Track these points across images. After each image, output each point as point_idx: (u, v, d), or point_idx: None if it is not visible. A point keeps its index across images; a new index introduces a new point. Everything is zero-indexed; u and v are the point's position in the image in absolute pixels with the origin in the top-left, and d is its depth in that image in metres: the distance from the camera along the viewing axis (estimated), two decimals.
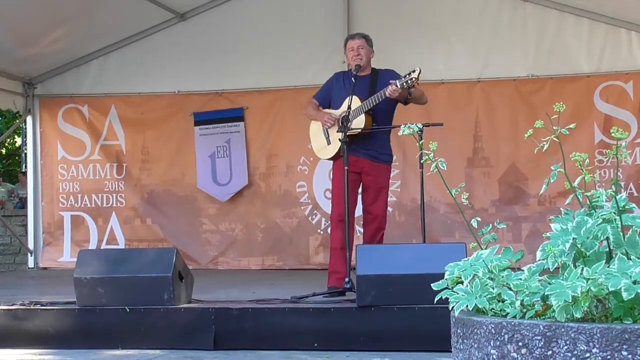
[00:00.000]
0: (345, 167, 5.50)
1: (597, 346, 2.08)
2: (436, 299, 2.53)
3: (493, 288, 2.41)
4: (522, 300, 2.32)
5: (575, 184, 2.44)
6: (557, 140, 2.43)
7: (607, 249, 2.36)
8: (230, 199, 9.14)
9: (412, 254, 4.78)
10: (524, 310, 2.31)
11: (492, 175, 8.54)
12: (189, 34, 9.22)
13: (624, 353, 2.06)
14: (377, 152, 5.85)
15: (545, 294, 2.24)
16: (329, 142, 5.91)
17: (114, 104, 9.42)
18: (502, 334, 2.22)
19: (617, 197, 2.35)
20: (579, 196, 2.45)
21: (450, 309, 2.44)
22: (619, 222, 2.35)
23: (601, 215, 2.38)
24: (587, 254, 2.33)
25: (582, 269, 2.22)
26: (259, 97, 9.09)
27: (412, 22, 8.70)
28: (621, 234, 2.35)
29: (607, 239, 2.34)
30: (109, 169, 9.44)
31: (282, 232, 9.01)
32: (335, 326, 4.68)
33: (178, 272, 4.97)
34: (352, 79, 5.70)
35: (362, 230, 6.14)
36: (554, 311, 2.19)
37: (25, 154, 14.92)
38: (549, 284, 2.26)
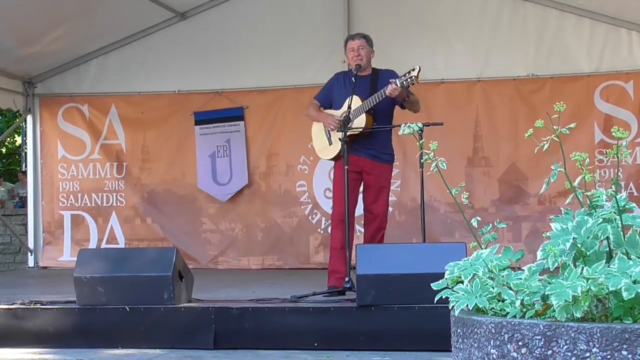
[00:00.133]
0: (345, 167, 5.50)
1: (597, 346, 2.08)
2: (436, 299, 2.53)
3: (493, 287, 2.41)
4: (522, 299, 2.32)
5: (576, 183, 2.44)
6: (557, 139, 2.43)
7: (607, 249, 2.36)
8: (230, 199, 9.14)
9: (412, 254, 4.78)
10: (524, 309, 2.31)
11: (492, 175, 8.53)
12: (190, 33, 9.21)
13: (624, 353, 2.06)
14: (379, 152, 5.85)
15: (546, 293, 2.24)
16: (330, 143, 5.92)
17: (114, 103, 9.41)
18: (502, 333, 2.22)
19: (617, 196, 2.35)
20: (579, 196, 2.45)
21: (450, 308, 2.44)
22: (619, 222, 2.35)
23: (601, 215, 2.38)
24: (587, 253, 2.33)
25: (582, 269, 2.22)
26: (259, 96, 9.09)
27: (412, 21, 8.69)
28: (621, 233, 2.35)
29: (607, 238, 2.34)
30: (109, 168, 9.43)
31: (282, 232, 9.01)
32: (335, 326, 4.68)
33: (178, 271, 4.98)
34: (353, 78, 5.71)
35: (362, 229, 6.14)
36: (554, 311, 2.19)
37: (25, 153, 14.93)
38: (549, 283, 2.26)
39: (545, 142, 2.46)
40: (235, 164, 9.10)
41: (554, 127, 2.44)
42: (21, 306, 5.09)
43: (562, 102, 2.48)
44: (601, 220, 2.36)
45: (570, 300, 2.15)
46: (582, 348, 2.10)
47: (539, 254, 2.37)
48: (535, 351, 2.15)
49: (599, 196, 2.43)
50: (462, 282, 2.45)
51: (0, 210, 12.23)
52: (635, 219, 2.36)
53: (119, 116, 9.41)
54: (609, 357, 2.07)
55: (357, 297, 4.71)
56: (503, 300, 2.38)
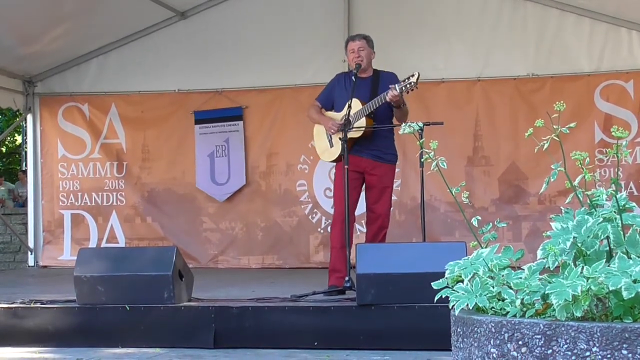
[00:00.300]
0: (346, 166, 5.50)
1: (597, 345, 2.09)
2: (436, 298, 2.53)
3: (493, 287, 2.41)
4: (523, 299, 2.32)
5: (576, 182, 2.44)
6: (557, 139, 2.43)
7: (608, 248, 2.36)
8: (230, 198, 9.14)
9: (412, 253, 4.78)
10: (524, 309, 2.31)
11: (492, 174, 8.53)
12: (190, 32, 9.21)
13: (624, 352, 2.07)
14: (382, 152, 5.85)
15: (546, 292, 2.24)
16: (331, 145, 5.93)
17: (114, 102, 9.41)
18: (502, 332, 2.22)
19: (618, 196, 2.35)
20: (579, 195, 2.46)
21: (450, 307, 2.44)
22: (619, 221, 2.35)
23: (601, 214, 2.38)
24: (588, 252, 2.33)
25: (583, 268, 2.22)
26: (259, 95, 9.09)
27: (412, 21, 8.69)
28: (621, 232, 2.35)
29: (608, 237, 2.34)
30: (109, 167, 9.43)
31: (282, 231, 9.01)
32: (335, 325, 4.69)
33: (178, 270, 4.98)
34: (353, 78, 5.71)
35: (362, 229, 6.14)
36: (554, 310, 2.19)
37: (26, 152, 14.95)
38: (549, 282, 2.26)
39: (545, 142, 2.46)
40: (234, 164, 9.10)
41: (554, 126, 2.44)
42: (21, 305, 5.09)
43: (562, 102, 2.48)
44: (601, 219, 2.36)
45: (571, 300, 2.15)
46: (582, 347, 2.10)
47: (539, 253, 2.37)
48: (535, 350, 2.16)
49: (599, 195, 2.43)
50: (462, 281, 2.45)
51: (1, 210, 12.23)
52: (635, 219, 2.36)
53: (119, 115, 9.41)
54: (609, 356, 2.07)
55: (357, 297, 4.71)
56: (503, 300, 2.38)
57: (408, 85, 5.42)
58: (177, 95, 9.27)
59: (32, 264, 9.57)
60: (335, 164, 6.11)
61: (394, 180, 6.14)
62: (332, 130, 5.84)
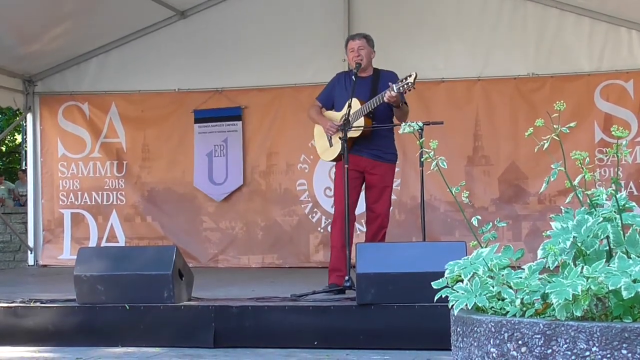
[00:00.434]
0: (346, 166, 5.50)
1: (596, 345, 2.09)
2: (436, 298, 2.53)
3: (493, 286, 2.41)
4: (522, 298, 2.32)
5: (576, 182, 2.44)
6: (557, 138, 2.43)
7: (607, 248, 2.36)
8: (230, 197, 9.14)
9: (412, 252, 4.78)
10: (524, 308, 2.31)
11: (492, 174, 8.53)
12: (190, 32, 9.21)
13: (624, 352, 2.07)
14: (382, 152, 5.85)
15: (545, 292, 2.24)
16: (331, 145, 5.93)
17: (115, 101, 9.41)
18: (502, 332, 2.22)
19: (617, 195, 2.35)
20: (579, 195, 2.46)
21: (450, 307, 2.44)
22: (619, 221, 2.35)
23: (601, 214, 2.38)
24: (587, 252, 2.34)
25: (582, 268, 2.22)
26: (259, 95, 9.09)
27: (412, 20, 8.69)
28: (621, 232, 2.36)
29: (607, 237, 2.34)
30: (109, 166, 9.43)
31: (282, 230, 9.01)
32: (335, 324, 4.68)
33: (178, 270, 4.98)
34: (353, 77, 5.71)
35: (362, 228, 6.14)
36: (554, 310, 2.19)
37: (26, 151, 14.94)
38: (549, 282, 2.26)
39: (545, 141, 2.46)
40: (232, 164, 9.11)
41: (554, 126, 2.44)
42: (21, 304, 5.09)
43: (562, 101, 2.48)
44: (601, 219, 2.36)
45: (570, 299, 2.15)
46: (582, 347, 2.10)
47: (539, 252, 2.37)
48: (535, 350, 2.16)
49: (599, 195, 2.43)
50: (462, 281, 2.45)
51: (0, 209, 12.24)
52: (635, 218, 2.36)
53: (119, 114, 9.41)
54: (608, 355, 2.07)
55: (357, 296, 4.71)
56: (503, 299, 2.38)
57: (405, 86, 5.42)
58: (177, 94, 9.27)
59: (32, 263, 9.57)
60: (335, 163, 6.11)
61: (394, 179, 6.14)
62: (331, 132, 5.85)
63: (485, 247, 2.56)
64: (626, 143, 2.40)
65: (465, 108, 8.57)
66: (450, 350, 2.49)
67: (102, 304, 4.93)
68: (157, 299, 4.88)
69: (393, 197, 6.18)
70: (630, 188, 8.10)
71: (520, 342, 2.18)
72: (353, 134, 5.65)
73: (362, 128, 5.67)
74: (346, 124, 5.55)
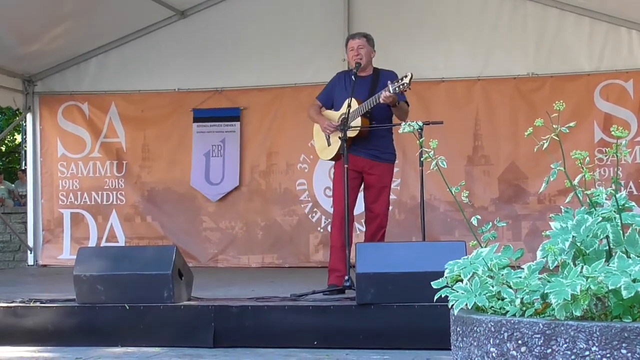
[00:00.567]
0: (345, 165, 5.50)
1: (596, 344, 2.08)
2: (436, 297, 2.53)
3: (493, 286, 2.41)
4: (522, 298, 2.32)
5: (575, 182, 2.44)
6: (557, 138, 2.44)
7: (607, 248, 2.36)
8: (230, 197, 9.14)
9: (412, 252, 4.78)
10: (524, 308, 2.31)
11: (492, 174, 8.53)
12: (189, 31, 9.21)
13: (623, 351, 2.07)
14: (379, 152, 5.85)
15: (545, 292, 2.24)
16: (329, 144, 5.93)
17: (114, 101, 9.41)
18: (502, 332, 2.22)
19: (617, 195, 2.35)
20: (578, 194, 2.46)
21: (449, 307, 2.44)
22: (619, 221, 2.35)
23: (601, 214, 2.38)
24: (587, 252, 2.33)
25: (582, 267, 2.22)
26: (259, 95, 9.09)
27: (412, 20, 8.69)
28: (621, 232, 2.35)
29: (607, 237, 2.34)
30: (109, 166, 9.43)
31: (282, 230, 9.01)
32: (335, 324, 4.68)
33: (178, 269, 4.98)
34: (352, 77, 5.71)
35: (362, 228, 6.14)
36: (553, 309, 2.19)
37: (25, 151, 14.93)
38: (549, 282, 2.26)
39: (545, 141, 2.46)
40: (228, 165, 9.11)
41: (554, 125, 2.44)
42: (21, 304, 5.09)
43: (561, 101, 2.48)
44: (601, 219, 2.36)
45: (570, 299, 2.15)
46: (582, 347, 2.10)
47: (539, 252, 2.37)
48: (535, 350, 2.16)
49: (598, 195, 2.43)
50: (461, 280, 2.45)
51: (0, 209, 12.23)
52: (635, 218, 2.36)
53: (119, 114, 9.41)
54: (608, 355, 2.07)
55: (356, 296, 4.71)
56: (502, 299, 2.38)
57: (401, 87, 5.42)
58: (177, 94, 9.26)
59: (32, 263, 9.57)
60: (334, 162, 6.11)
61: (393, 179, 6.14)
62: (328, 131, 5.86)
63: (485, 246, 2.56)
64: (626, 143, 2.40)
65: (465, 108, 8.57)
66: (450, 350, 2.49)
67: (102, 303, 4.93)
68: (157, 298, 4.88)
69: (393, 196, 6.19)
70: (630, 188, 8.11)
71: (520, 341, 2.18)
72: (350, 133, 5.65)
73: (358, 127, 5.67)
74: (344, 124, 5.55)
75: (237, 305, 4.88)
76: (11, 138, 22.27)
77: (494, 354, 2.23)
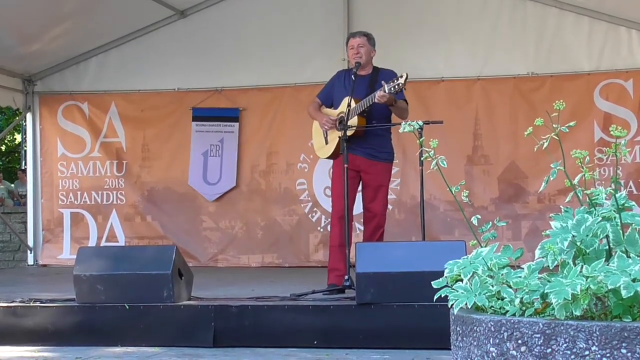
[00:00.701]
0: (345, 165, 5.51)
1: (596, 344, 2.08)
2: (436, 297, 2.53)
3: (492, 286, 2.41)
4: (522, 298, 2.32)
5: (575, 181, 2.44)
6: (556, 138, 2.43)
7: (607, 247, 2.36)
8: (230, 197, 9.14)
9: (412, 252, 4.79)
10: (524, 308, 2.31)
11: (492, 173, 8.53)
12: (189, 31, 9.21)
13: (623, 351, 2.07)
14: (376, 151, 5.85)
15: (545, 291, 2.24)
16: (326, 142, 5.94)
17: (114, 101, 9.41)
18: (502, 331, 2.22)
19: (617, 195, 2.35)
20: (578, 194, 2.45)
21: (449, 306, 2.44)
22: (619, 220, 2.35)
23: (601, 213, 2.38)
24: (587, 251, 2.33)
25: (582, 267, 2.22)
26: (259, 94, 9.08)
27: (412, 20, 8.69)
28: (621, 231, 2.35)
29: (607, 236, 2.34)
30: (109, 166, 9.43)
31: (282, 230, 9.01)
32: (335, 324, 4.69)
33: (178, 269, 4.98)
34: (352, 77, 5.71)
35: (362, 228, 6.14)
36: (553, 309, 2.19)
37: (25, 151, 14.94)
38: (549, 281, 2.26)
39: (544, 141, 2.46)
40: (226, 165, 9.11)
41: (554, 125, 2.44)
42: (21, 304, 5.09)
43: (561, 101, 2.48)
44: (600, 218, 2.36)
45: (570, 299, 2.15)
46: (582, 346, 2.10)
47: (538, 252, 2.37)
48: (535, 349, 2.16)
49: (598, 194, 2.43)
50: (461, 280, 2.45)
51: (0, 208, 12.23)
52: (635, 217, 2.36)
53: (119, 114, 9.40)
54: (608, 355, 2.07)
55: (356, 295, 4.71)
56: (502, 299, 2.38)
57: (397, 86, 5.42)
58: (177, 94, 9.26)
59: (32, 263, 9.56)
60: (332, 161, 6.12)
61: (393, 179, 6.15)
62: (326, 127, 5.86)
63: (485, 246, 2.55)
64: (625, 142, 2.40)
65: (465, 107, 8.57)
66: (450, 349, 2.49)
67: (102, 303, 4.93)
68: (157, 298, 4.88)
69: (392, 196, 6.19)
70: (630, 187, 8.10)
71: (519, 341, 2.18)
72: (347, 132, 5.66)
73: (354, 127, 5.66)
74: (342, 123, 5.55)
75: (237, 305, 4.88)
76: (11, 138, 22.26)
77: (493, 354, 2.23)
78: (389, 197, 6.11)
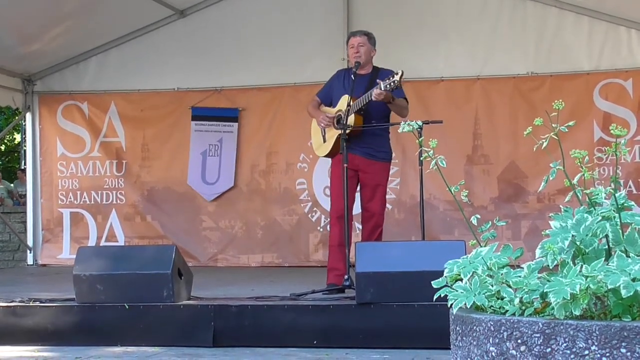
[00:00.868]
0: (345, 165, 5.50)
1: (595, 343, 2.08)
2: (435, 297, 2.53)
3: (492, 285, 2.41)
4: (521, 297, 2.32)
5: (575, 181, 2.44)
6: (556, 137, 2.43)
7: (606, 247, 2.36)
8: (230, 197, 9.14)
9: (411, 252, 4.78)
10: (523, 307, 2.31)
11: (492, 173, 8.53)
12: (189, 31, 9.21)
13: (623, 350, 2.07)
14: (374, 150, 5.85)
15: (544, 291, 2.24)
16: (324, 140, 5.94)
17: (114, 100, 9.41)
18: (501, 331, 2.22)
19: (616, 194, 2.35)
20: (578, 194, 2.45)
21: (449, 306, 2.44)
22: (618, 220, 2.35)
23: (600, 213, 2.38)
24: (586, 251, 2.33)
25: (581, 267, 2.22)
26: (259, 94, 9.08)
27: (412, 19, 8.69)
28: (620, 231, 2.35)
29: (606, 236, 2.34)
30: (108, 166, 9.43)
31: (282, 230, 9.01)
32: (335, 323, 4.68)
33: (177, 269, 4.98)
34: (352, 76, 5.72)
35: (361, 227, 6.15)
36: (553, 308, 2.19)
37: (25, 150, 14.93)
38: (548, 281, 2.26)
39: (544, 140, 2.46)
40: (224, 165, 9.11)
41: (553, 125, 2.44)
42: (20, 304, 5.09)
43: (561, 100, 2.48)
44: (600, 218, 2.36)
45: (569, 298, 2.15)
46: (581, 346, 2.10)
47: (538, 251, 2.37)
48: (534, 349, 2.16)
49: (598, 194, 2.43)
50: (461, 279, 2.45)
51: (0, 208, 12.23)
52: (634, 217, 2.36)
53: (119, 114, 9.40)
54: (607, 354, 2.07)
55: (356, 295, 4.71)
56: (502, 298, 2.38)
57: (392, 84, 5.43)
58: (177, 93, 9.26)
59: (31, 263, 9.56)
60: (330, 159, 6.12)
61: (393, 178, 6.14)
62: (322, 124, 5.87)
63: (485, 246, 2.55)
64: (625, 142, 2.40)
65: (465, 107, 8.57)
66: (450, 349, 2.49)
67: (102, 303, 4.93)
68: (157, 298, 4.88)
69: (392, 196, 6.19)
70: (630, 187, 8.11)
71: (519, 341, 2.18)
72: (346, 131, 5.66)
73: (351, 127, 5.66)
74: (340, 122, 5.55)
75: (237, 305, 4.88)
76: (10, 137, 22.25)
77: (493, 353, 2.23)
78: (388, 196, 6.12)
